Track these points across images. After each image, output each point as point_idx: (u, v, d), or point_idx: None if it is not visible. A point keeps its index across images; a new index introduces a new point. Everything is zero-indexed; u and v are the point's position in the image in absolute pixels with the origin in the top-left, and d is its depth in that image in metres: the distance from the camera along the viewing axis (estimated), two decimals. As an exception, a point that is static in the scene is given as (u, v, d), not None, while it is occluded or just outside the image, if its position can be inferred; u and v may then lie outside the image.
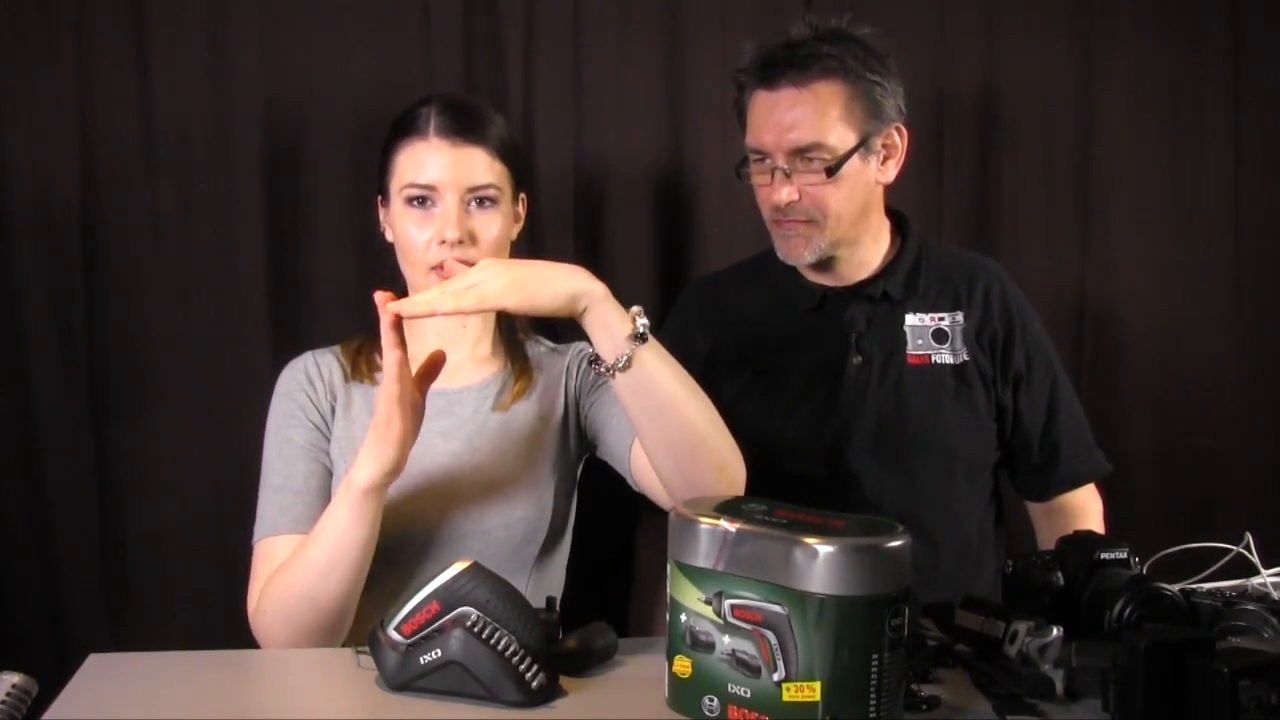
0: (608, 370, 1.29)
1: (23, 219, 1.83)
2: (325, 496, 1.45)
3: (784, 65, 1.59)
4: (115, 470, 1.87)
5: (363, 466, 1.30)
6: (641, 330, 1.29)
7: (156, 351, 1.87)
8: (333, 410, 1.50)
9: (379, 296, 1.26)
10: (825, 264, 1.68)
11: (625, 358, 1.28)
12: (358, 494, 1.30)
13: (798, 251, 1.64)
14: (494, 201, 1.46)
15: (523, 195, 1.54)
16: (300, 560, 1.35)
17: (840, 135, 1.59)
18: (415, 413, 1.30)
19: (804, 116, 1.58)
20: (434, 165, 1.43)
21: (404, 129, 1.47)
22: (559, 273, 1.28)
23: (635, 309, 1.31)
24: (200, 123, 1.86)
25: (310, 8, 1.88)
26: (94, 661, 1.26)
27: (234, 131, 1.87)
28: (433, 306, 1.24)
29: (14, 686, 1.09)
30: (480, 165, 1.45)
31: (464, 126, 1.45)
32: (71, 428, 1.85)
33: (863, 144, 1.60)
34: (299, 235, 1.91)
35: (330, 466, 1.48)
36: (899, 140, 1.65)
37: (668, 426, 1.32)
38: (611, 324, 1.28)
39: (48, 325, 1.84)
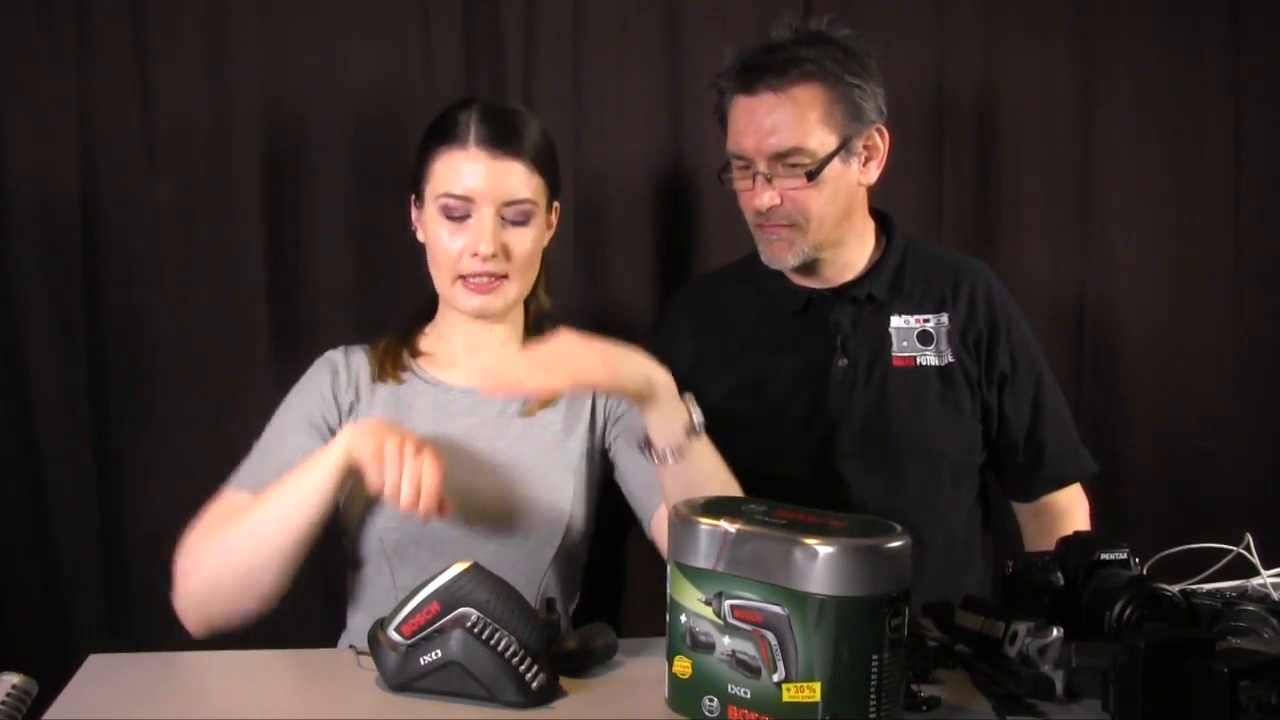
0: (659, 457, 1.33)
1: (23, 218, 1.83)
2: None
3: (762, 70, 1.59)
4: (115, 470, 1.87)
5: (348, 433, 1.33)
6: (697, 424, 1.33)
7: (156, 351, 1.87)
8: (351, 408, 1.50)
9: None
10: (810, 266, 1.68)
11: (679, 448, 1.32)
12: (333, 454, 1.31)
13: (781, 255, 1.64)
14: (529, 216, 1.46)
15: (556, 203, 1.54)
16: (253, 518, 1.35)
17: (820, 139, 1.58)
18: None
19: (783, 121, 1.57)
20: (471, 176, 1.43)
21: (443, 135, 1.46)
22: (635, 355, 1.31)
23: (688, 396, 1.35)
24: (200, 123, 1.86)
25: (310, 8, 1.88)
26: (94, 661, 1.26)
27: (234, 131, 1.87)
28: (523, 384, 1.25)
29: (14, 687, 1.09)
30: (518, 179, 1.44)
31: (503, 138, 1.44)
32: (71, 428, 1.85)
33: (843, 146, 1.60)
34: (299, 235, 1.91)
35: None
36: (880, 141, 1.65)
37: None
38: (672, 414, 1.32)
39: (48, 325, 1.84)
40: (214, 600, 1.35)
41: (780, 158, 1.58)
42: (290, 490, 1.33)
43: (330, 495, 1.32)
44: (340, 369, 1.52)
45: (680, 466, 1.33)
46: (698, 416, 1.34)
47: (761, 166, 1.60)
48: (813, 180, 1.58)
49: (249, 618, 1.35)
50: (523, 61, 1.94)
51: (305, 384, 1.53)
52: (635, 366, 1.30)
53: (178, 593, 1.37)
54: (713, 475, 1.36)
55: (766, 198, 1.60)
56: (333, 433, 1.48)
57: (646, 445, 1.35)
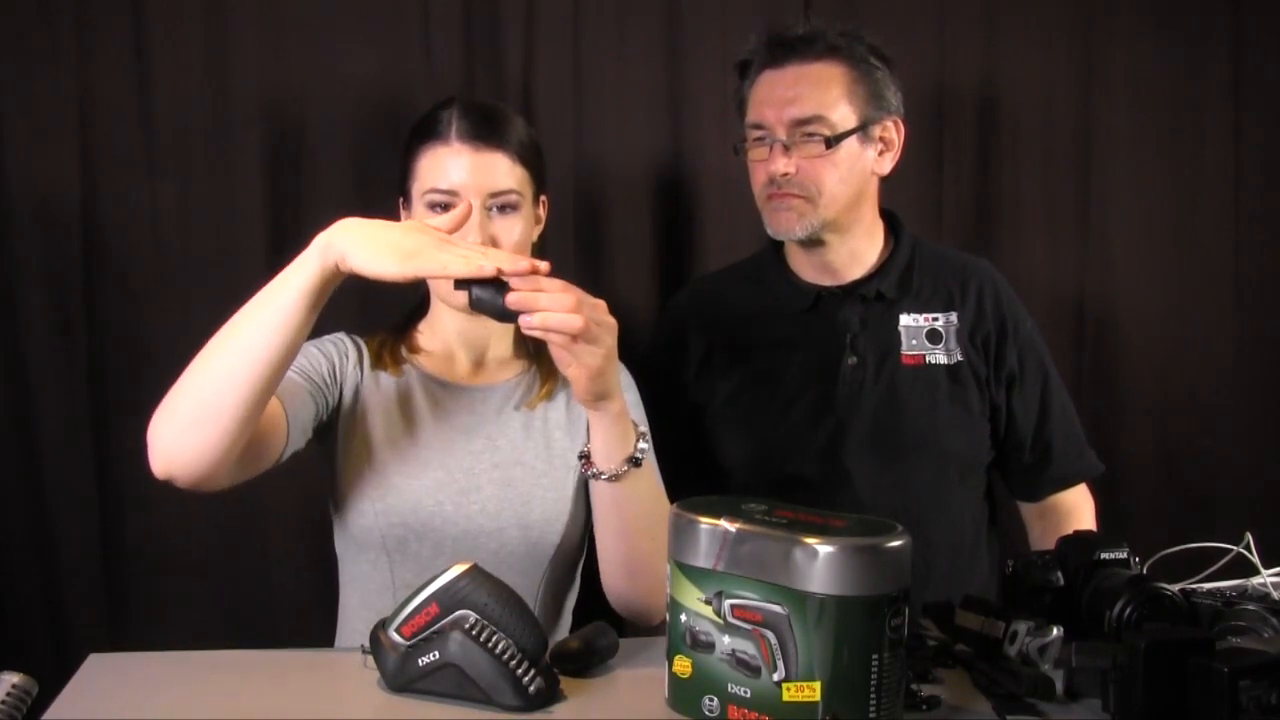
0: (594, 475, 1.36)
1: (23, 219, 1.83)
2: (294, 398, 1.39)
3: (792, 43, 1.63)
4: (115, 470, 1.86)
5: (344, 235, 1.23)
6: (638, 456, 1.35)
7: (156, 351, 1.86)
8: (356, 390, 1.49)
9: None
10: (818, 259, 1.69)
11: (612, 474, 1.35)
12: (319, 255, 1.22)
13: (789, 225, 1.65)
14: (515, 206, 1.46)
15: (543, 197, 1.55)
16: (220, 337, 1.26)
17: (842, 113, 1.61)
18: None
19: (807, 91, 1.61)
20: (456, 170, 1.44)
21: (426, 133, 1.47)
22: (616, 368, 1.31)
23: (641, 429, 1.37)
24: (200, 123, 1.86)
25: (310, 7, 1.88)
26: (94, 661, 1.26)
27: (234, 131, 1.87)
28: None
29: (14, 686, 1.09)
30: (502, 170, 1.45)
31: (486, 131, 1.45)
32: (71, 428, 1.85)
33: (862, 128, 1.62)
34: (299, 235, 1.89)
35: (316, 399, 1.43)
36: (896, 135, 1.67)
37: (622, 541, 1.39)
38: (618, 436, 1.34)
39: (48, 325, 1.84)
40: (173, 426, 1.25)
41: (800, 125, 1.61)
42: (259, 309, 1.25)
43: (304, 315, 1.23)
44: (350, 349, 1.52)
45: (614, 494, 1.37)
46: (641, 447, 1.36)
47: (780, 134, 1.61)
48: (830, 149, 1.60)
49: (209, 467, 1.25)
50: (523, 61, 1.94)
51: (322, 341, 1.49)
52: (611, 361, 1.28)
53: (151, 424, 1.27)
54: (641, 519, 1.37)
55: (782, 163, 1.61)
56: (328, 391, 1.46)
57: (584, 457, 1.38)
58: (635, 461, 1.36)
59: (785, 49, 1.63)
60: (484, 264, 1.20)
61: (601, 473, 1.36)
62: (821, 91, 1.61)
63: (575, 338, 1.22)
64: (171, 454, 1.25)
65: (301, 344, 1.27)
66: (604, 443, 1.35)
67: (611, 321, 1.27)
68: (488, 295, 1.21)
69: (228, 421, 1.23)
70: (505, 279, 1.21)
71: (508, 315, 1.22)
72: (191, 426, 1.24)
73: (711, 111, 1.95)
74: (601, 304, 1.26)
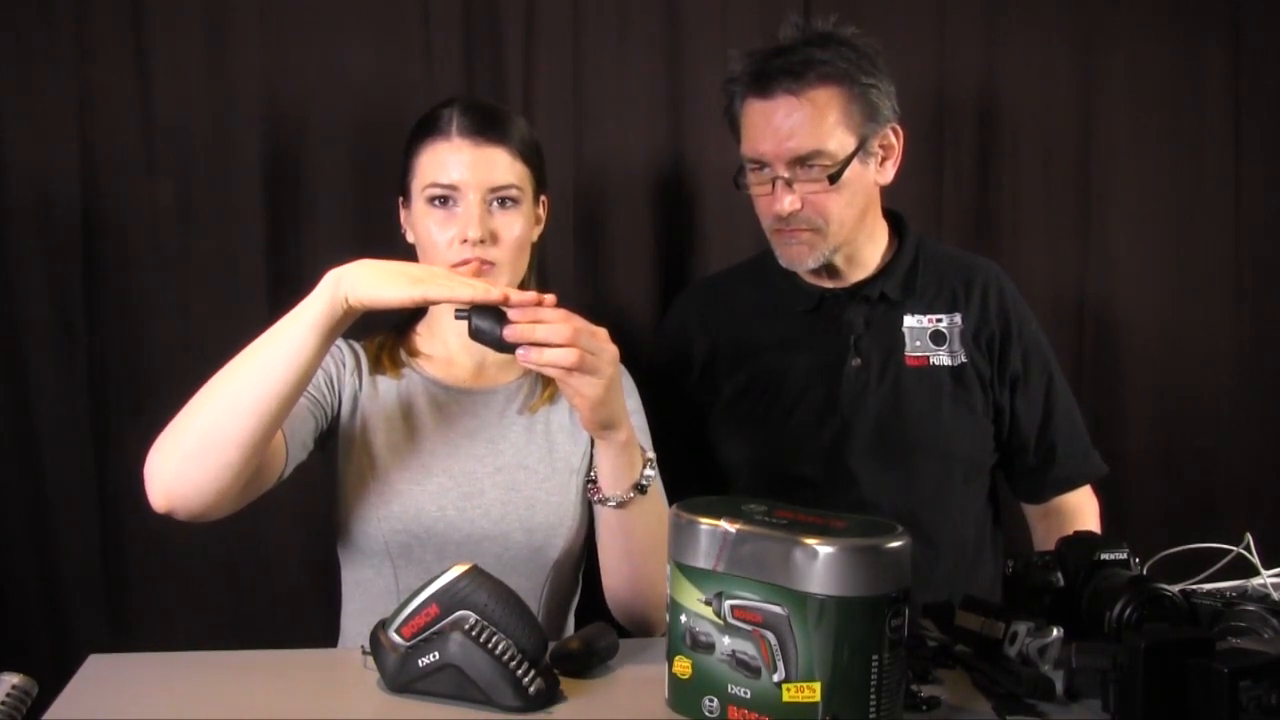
0: (600, 500, 1.39)
1: (23, 219, 1.83)
2: (292, 416, 1.35)
3: (778, 73, 1.57)
4: (115, 470, 1.87)
5: (354, 274, 1.24)
6: (644, 484, 1.37)
7: (156, 351, 1.87)
8: (355, 397, 1.49)
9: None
10: (825, 266, 1.68)
11: (619, 500, 1.38)
12: (329, 294, 1.24)
13: (801, 258, 1.64)
14: (516, 201, 1.46)
15: (544, 197, 1.55)
16: (228, 370, 1.27)
17: (839, 141, 1.58)
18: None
19: (802, 124, 1.56)
20: (456, 165, 1.44)
21: (427, 130, 1.47)
22: (621, 396, 1.33)
23: (649, 456, 1.39)
24: (200, 123, 1.86)
25: (310, 8, 1.88)
26: (94, 661, 1.26)
27: (234, 131, 1.87)
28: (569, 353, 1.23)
29: (14, 687, 1.09)
30: (502, 165, 1.45)
31: (486, 126, 1.45)
32: (71, 428, 1.85)
33: (861, 147, 1.60)
34: (299, 235, 1.91)
35: (315, 412, 1.43)
36: (895, 140, 1.65)
37: (627, 562, 1.41)
38: (625, 464, 1.37)
39: (48, 325, 1.84)
40: (175, 459, 1.24)
41: (800, 161, 1.57)
42: (268, 344, 1.26)
43: (315, 349, 1.24)
44: (347, 355, 1.52)
45: (618, 516, 1.39)
46: (648, 474, 1.38)
47: (781, 171, 1.59)
48: (834, 183, 1.58)
49: (212, 500, 1.24)
50: (523, 62, 1.94)
51: None
52: (613, 391, 1.29)
53: (149, 456, 1.26)
54: (647, 542, 1.38)
55: (788, 202, 1.59)
56: (328, 402, 1.46)
57: (592, 484, 1.41)
58: (641, 489, 1.37)
59: (770, 77, 1.57)
60: (491, 291, 1.23)
61: (608, 499, 1.38)
62: (816, 123, 1.56)
63: (571, 369, 1.23)
64: (173, 487, 1.25)
65: (311, 378, 1.29)
66: (611, 470, 1.36)
67: (612, 350, 1.27)
68: (487, 325, 1.25)
69: (234, 454, 1.24)
70: (505, 310, 1.24)
71: (506, 346, 1.25)
72: (195, 460, 1.24)
73: (712, 111, 1.94)
74: (602, 332, 1.27)
